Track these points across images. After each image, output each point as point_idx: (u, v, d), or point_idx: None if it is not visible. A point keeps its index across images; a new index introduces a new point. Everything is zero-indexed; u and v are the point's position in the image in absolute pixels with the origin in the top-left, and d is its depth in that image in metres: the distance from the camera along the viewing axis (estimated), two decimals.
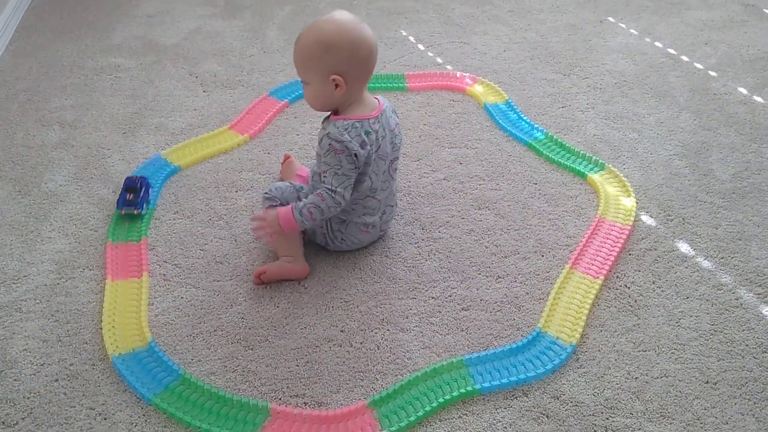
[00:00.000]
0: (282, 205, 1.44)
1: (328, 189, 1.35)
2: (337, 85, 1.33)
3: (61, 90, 2.09)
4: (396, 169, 1.48)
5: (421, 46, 2.34)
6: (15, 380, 1.23)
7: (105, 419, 1.17)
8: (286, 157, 1.72)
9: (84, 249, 1.51)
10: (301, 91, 2.02)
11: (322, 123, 1.40)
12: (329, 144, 1.34)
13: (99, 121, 1.95)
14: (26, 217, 1.60)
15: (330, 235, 1.46)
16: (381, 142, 1.39)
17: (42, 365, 1.26)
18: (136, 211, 1.55)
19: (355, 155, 1.34)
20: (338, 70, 1.31)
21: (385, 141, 1.40)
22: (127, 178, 1.61)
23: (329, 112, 1.41)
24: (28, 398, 1.20)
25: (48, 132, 1.90)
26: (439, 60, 2.26)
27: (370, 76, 1.38)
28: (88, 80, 2.14)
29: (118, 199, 1.57)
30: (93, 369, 1.25)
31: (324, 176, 1.36)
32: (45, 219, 1.59)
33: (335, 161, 1.35)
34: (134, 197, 1.56)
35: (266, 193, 1.48)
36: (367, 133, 1.36)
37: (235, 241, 1.53)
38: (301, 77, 1.38)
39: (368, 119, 1.37)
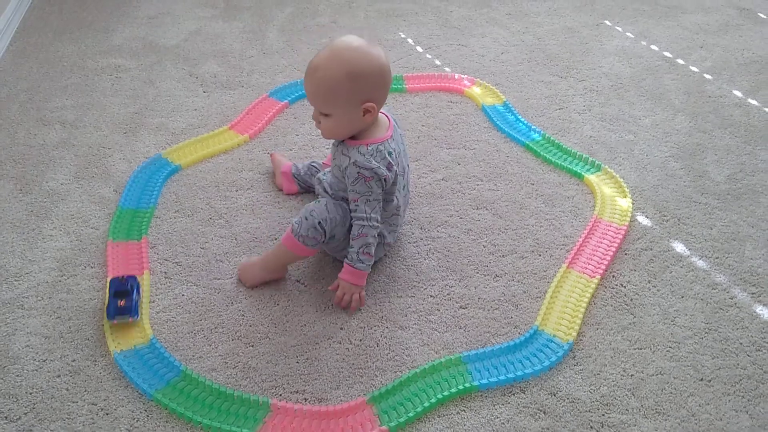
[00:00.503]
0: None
1: (365, 218, 1.34)
2: (366, 112, 1.30)
3: (61, 90, 2.10)
4: (409, 181, 1.48)
5: (419, 48, 2.36)
6: (17, 376, 1.24)
7: (107, 414, 1.18)
8: (272, 156, 1.75)
9: (85, 247, 1.53)
10: (301, 92, 2.05)
11: (338, 147, 1.38)
12: (357, 173, 1.32)
13: (100, 120, 1.96)
14: (28, 215, 1.61)
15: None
16: (398, 158, 1.38)
17: (44, 361, 1.27)
18: (131, 320, 1.32)
19: (384, 179, 1.33)
20: (369, 98, 1.29)
21: (401, 156, 1.40)
22: (114, 280, 1.37)
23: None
24: (30, 393, 1.21)
25: (49, 131, 1.91)
26: (438, 62, 2.27)
27: (387, 97, 1.36)
28: (89, 80, 2.15)
29: (108, 307, 1.32)
30: (95, 365, 1.27)
31: (356, 204, 1.35)
32: (46, 217, 1.61)
33: (365, 188, 1.33)
34: (127, 302, 1.32)
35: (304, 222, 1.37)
36: (390, 154, 1.34)
37: (236, 239, 1.54)
38: (322, 110, 1.32)
39: (387, 140, 1.35)
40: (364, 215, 1.35)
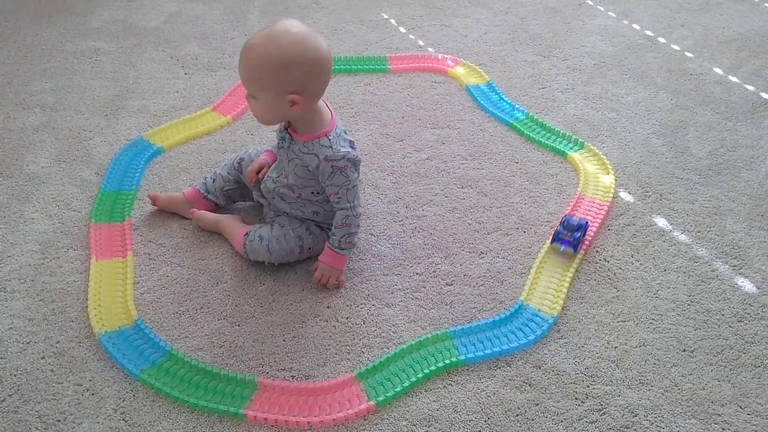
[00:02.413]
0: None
1: (348, 208, 1.34)
2: (293, 104, 1.25)
3: (40, 73, 2.07)
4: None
5: (402, 29, 2.35)
6: (1, 358, 1.23)
7: (93, 395, 1.18)
8: (154, 199, 1.57)
9: (67, 230, 1.51)
10: None
11: (295, 146, 1.33)
12: (331, 167, 1.30)
13: (80, 103, 1.93)
14: (8, 199, 1.59)
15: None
16: (281, 156, 1.38)
17: (28, 343, 1.26)
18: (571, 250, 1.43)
19: (358, 161, 1.34)
20: (296, 88, 1.23)
21: (283, 164, 1.39)
22: (569, 217, 1.46)
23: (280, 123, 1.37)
24: (15, 375, 1.20)
25: (29, 115, 1.88)
26: (421, 42, 2.27)
27: (325, 89, 1.30)
28: (68, 63, 2.12)
29: (557, 234, 1.44)
30: (80, 346, 1.26)
31: (338, 197, 1.33)
32: (27, 200, 1.59)
33: (343, 179, 1.32)
34: (571, 235, 1.43)
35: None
36: (345, 132, 1.36)
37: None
38: (250, 92, 1.28)
39: (337, 124, 1.34)
40: (348, 205, 1.34)
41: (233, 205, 1.57)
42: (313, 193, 1.38)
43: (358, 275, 1.41)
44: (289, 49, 1.21)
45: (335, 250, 1.36)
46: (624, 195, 1.62)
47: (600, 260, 1.44)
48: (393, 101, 1.95)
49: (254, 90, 1.27)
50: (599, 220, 1.52)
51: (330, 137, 1.31)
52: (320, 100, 1.33)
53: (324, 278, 1.37)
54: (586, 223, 1.46)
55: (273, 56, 1.21)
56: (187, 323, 1.31)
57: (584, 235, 1.46)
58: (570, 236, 1.43)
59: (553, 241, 1.45)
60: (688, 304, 1.34)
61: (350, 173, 1.32)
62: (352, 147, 1.34)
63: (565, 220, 1.45)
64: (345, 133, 1.35)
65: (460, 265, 1.44)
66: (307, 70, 1.23)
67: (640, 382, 1.20)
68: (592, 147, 1.75)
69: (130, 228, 1.51)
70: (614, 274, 1.41)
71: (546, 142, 1.77)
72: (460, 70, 2.08)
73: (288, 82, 1.23)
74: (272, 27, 1.25)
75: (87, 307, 1.32)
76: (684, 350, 1.26)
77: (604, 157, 1.71)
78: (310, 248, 1.42)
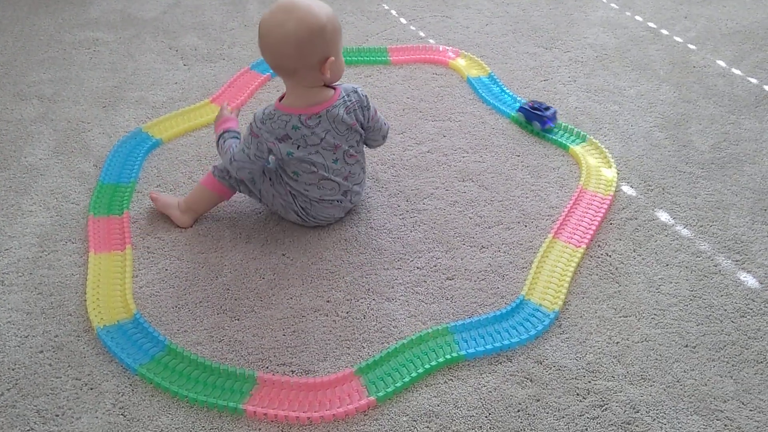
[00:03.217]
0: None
1: (231, 156, 1.42)
2: (326, 69, 1.30)
3: (38, 64, 2.05)
4: (353, 156, 1.44)
5: (403, 20, 2.33)
6: None
7: (91, 389, 1.17)
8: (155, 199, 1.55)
9: (66, 222, 1.50)
10: None
11: (327, 116, 1.38)
12: (252, 125, 1.37)
13: (78, 94, 1.92)
14: (6, 191, 1.58)
15: (302, 213, 1.45)
16: (323, 136, 1.37)
17: (26, 337, 1.25)
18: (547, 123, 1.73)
19: (269, 147, 1.37)
20: (328, 54, 1.29)
21: (330, 135, 1.38)
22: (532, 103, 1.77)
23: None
24: (13, 369, 1.20)
25: (26, 106, 1.87)
26: (422, 34, 2.25)
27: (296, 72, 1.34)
28: (66, 54, 2.11)
29: (526, 114, 1.76)
30: (78, 340, 1.25)
31: (238, 144, 1.43)
32: (25, 193, 1.58)
33: (248, 140, 1.38)
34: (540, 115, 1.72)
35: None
36: (294, 128, 1.35)
37: (219, 213, 1.52)
38: (289, 67, 1.31)
39: (301, 114, 1.35)
40: (233, 156, 1.41)
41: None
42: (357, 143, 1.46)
43: (358, 269, 1.40)
44: (317, 16, 1.27)
45: (219, 135, 1.49)
46: (626, 189, 1.60)
47: (602, 255, 1.43)
48: (394, 93, 1.93)
49: (293, 63, 1.30)
50: (601, 214, 1.51)
51: (274, 112, 1.36)
52: (333, 88, 1.40)
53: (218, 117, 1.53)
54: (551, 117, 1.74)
55: (308, 26, 1.26)
56: (186, 317, 1.30)
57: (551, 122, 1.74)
58: (543, 114, 1.67)
59: (530, 120, 1.72)
60: (691, 299, 1.34)
61: (253, 144, 1.38)
62: (281, 140, 1.38)
63: (531, 104, 1.72)
64: (294, 128, 1.37)
65: (461, 259, 1.43)
66: (335, 36, 1.30)
67: (642, 378, 1.19)
68: (594, 140, 1.73)
69: (129, 221, 1.50)
70: (616, 269, 1.40)
71: (548, 135, 1.76)
72: (461, 62, 2.07)
73: (319, 51, 1.29)
74: (276, 4, 1.30)
75: (85, 300, 1.32)
76: (686, 346, 1.25)
77: (606, 150, 1.70)
78: (274, 195, 1.46)
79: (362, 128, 1.44)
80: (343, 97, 1.39)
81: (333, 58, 1.30)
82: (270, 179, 1.46)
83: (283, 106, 1.36)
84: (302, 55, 1.28)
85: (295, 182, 1.43)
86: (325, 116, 1.37)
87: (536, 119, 1.64)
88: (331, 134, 1.38)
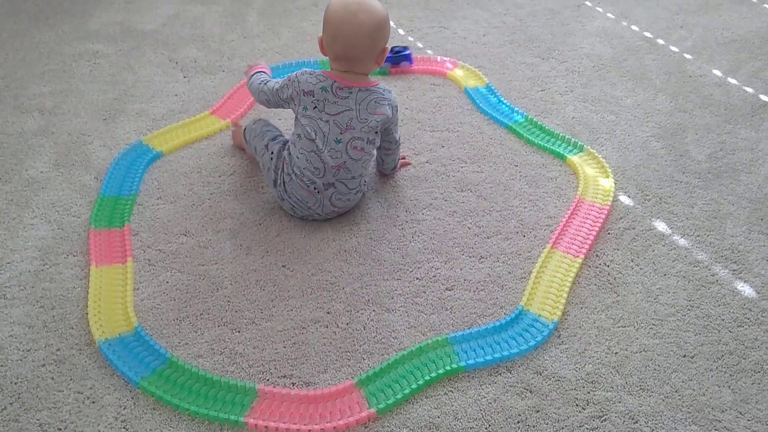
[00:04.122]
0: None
1: (267, 81, 1.57)
2: (381, 59, 1.47)
3: (39, 77, 2.06)
4: (358, 150, 1.47)
5: (401, 31, 2.34)
6: (2, 366, 1.23)
7: (93, 403, 1.18)
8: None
9: (67, 235, 1.51)
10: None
11: (358, 94, 1.47)
12: (297, 73, 1.49)
13: (79, 107, 1.93)
14: (8, 204, 1.59)
15: (280, 185, 1.52)
16: (343, 110, 1.45)
17: (28, 351, 1.26)
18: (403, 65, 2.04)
19: (294, 95, 1.47)
20: (321, 34, 1.46)
21: (350, 113, 1.45)
22: (400, 46, 2.07)
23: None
24: (15, 383, 1.20)
25: (27, 119, 1.88)
26: (420, 44, 2.26)
27: (341, 61, 1.46)
28: (67, 67, 2.12)
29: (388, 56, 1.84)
30: (80, 354, 1.26)
31: (273, 82, 1.56)
32: (27, 206, 1.59)
33: (285, 79, 1.51)
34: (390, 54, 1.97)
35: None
36: (323, 89, 1.45)
37: (219, 225, 1.53)
38: (357, 56, 1.44)
39: (336, 81, 1.45)
40: (277, 83, 1.54)
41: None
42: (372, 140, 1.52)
43: (358, 280, 1.41)
44: (378, 11, 1.43)
45: (254, 74, 1.63)
46: (623, 198, 1.62)
47: (600, 264, 1.44)
48: None
49: (368, 54, 1.45)
50: (599, 224, 1.52)
51: (318, 71, 1.49)
52: (353, 70, 1.48)
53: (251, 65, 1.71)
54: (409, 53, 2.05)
55: (377, 22, 1.42)
56: (187, 330, 1.31)
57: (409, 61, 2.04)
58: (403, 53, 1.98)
59: (397, 63, 2.02)
60: (688, 309, 1.34)
61: (286, 84, 1.50)
62: (305, 91, 1.48)
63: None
64: (323, 89, 1.46)
65: (460, 269, 1.44)
66: (324, 23, 1.44)
67: (641, 388, 1.20)
68: (591, 150, 1.75)
69: (130, 233, 1.51)
70: (614, 279, 1.41)
71: (545, 145, 1.77)
72: (459, 73, 2.08)
73: (385, 39, 1.46)
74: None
75: (87, 313, 1.32)
76: (684, 356, 1.26)
77: (604, 160, 1.71)
78: (272, 153, 1.55)
79: (381, 129, 1.50)
80: (381, 88, 1.50)
81: (387, 47, 1.47)
82: (273, 138, 1.58)
83: (325, 71, 1.48)
84: (374, 45, 1.43)
85: (292, 146, 1.50)
86: (356, 94, 1.46)
87: (403, 60, 2.03)
88: (352, 113, 1.46)
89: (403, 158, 1.72)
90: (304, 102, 1.46)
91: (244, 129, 1.66)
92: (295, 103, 1.48)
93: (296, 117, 1.49)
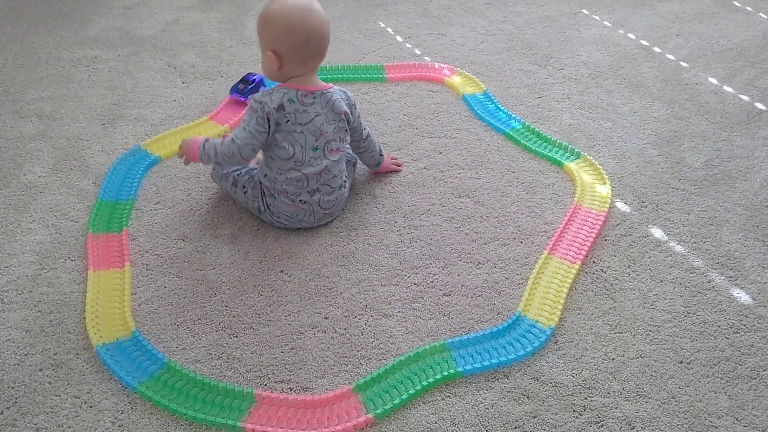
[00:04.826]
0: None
1: (232, 137, 1.44)
2: (274, 62, 1.41)
3: (37, 82, 2.07)
4: (334, 151, 1.49)
5: (399, 38, 2.36)
6: None
7: (90, 407, 1.17)
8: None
9: (65, 240, 1.51)
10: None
11: (321, 98, 1.47)
12: (251, 103, 1.44)
13: (77, 112, 1.94)
14: (6, 209, 1.59)
15: (265, 209, 1.51)
16: (313, 116, 1.45)
17: (26, 355, 1.26)
18: (241, 99, 1.89)
19: (267, 117, 1.41)
20: (273, 48, 1.40)
21: (320, 119, 1.46)
22: (247, 74, 1.95)
23: None
24: (12, 388, 1.20)
25: (25, 124, 1.88)
26: (417, 51, 2.28)
27: (309, 61, 1.44)
28: (65, 72, 2.12)
29: (232, 87, 1.93)
30: (77, 358, 1.26)
31: (237, 128, 1.46)
32: (25, 210, 1.59)
33: (248, 117, 1.43)
34: (244, 88, 1.88)
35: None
36: (290, 101, 1.43)
37: (217, 230, 1.54)
38: (309, 53, 1.43)
39: (299, 90, 1.44)
40: (234, 136, 1.43)
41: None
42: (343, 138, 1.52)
43: (355, 285, 1.41)
44: (271, 11, 1.39)
45: (199, 146, 1.46)
46: (620, 205, 1.62)
47: (597, 271, 1.45)
48: (390, 110, 1.96)
49: (312, 52, 1.43)
50: (596, 231, 1.53)
51: (273, 89, 1.45)
52: (327, 84, 1.49)
53: (182, 147, 1.50)
54: (259, 77, 1.93)
55: (261, 14, 1.41)
56: (185, 334, 1.31)
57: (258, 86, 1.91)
58: (244, 88, 1.88)
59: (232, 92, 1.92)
60: (685, 316, 1.35)
61: (254, 119, 1.42)
62: (278, 109, 1.43)
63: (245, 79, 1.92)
64: (290, 101, 1.43)
65: (458, 275, 1.44)
66: (281, 34, 1.39)
67: (638, 394, 1.20)
68: (588, 157, 1.75)
69: (128, 238, 1.51)
70: (611, 285, 1.42)
71: (542, 151, 1.78)
72: (456, 79, 2.09)
73: (268, 40, 1.41)
74: None
75: (84, 318, 1.32)
76: (681, 362, 1.26)
77: (600, 167, 1.72)
78: (243, 186, 1.54)
79: (348, 125, 1.51)
80: (336, 89, 1.50)
81: None
82: (246, 172, 1.56)
83: (280, 84, 1.46)
84: (326, 44, 1.43)
85: (268, 169, 1.48)
86: (320, 98, 1.46)
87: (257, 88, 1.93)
88: (321, 118, 1.46)
89: (395, 161, 1.73)
90: (277, 118, 1.42)
91: (210, 175, 1.63)
92: (270, 124, 1.42)
93: (266, 140, 1.45)
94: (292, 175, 1.47)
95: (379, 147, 1.66)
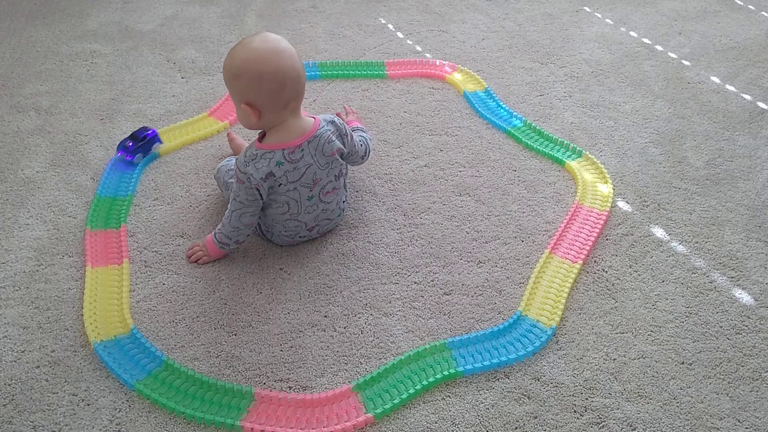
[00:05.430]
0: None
1: (228, 213, 1.40)
2: (250, 113, 1.31)
3: (35, 76, 2.05)
4: (330, 192, 1.44)
5: (400, 34, 2.34)
6: None
7: (88, 405, 1.17)
8: (229, 135, 1.75)
9: (63, 236, 1.50)
10: None
11: (308, 147, 1.38)
12: (237, 174, 1.36)
13: (75, 107, 1.92)
14: (3, 204, 1.58)
15: (261, 231, 1.49)
16: (304, 170, 1.37)
17: (23, 352, 1.25)
18: (127, 158, 1.66)
19: (257, 188, 1.35)
20: (247, 100, 1.30)
21: (312, 169, 1.38)
22: (140, 128, 1.71)
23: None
24: (9, 385, 1.19)
25: (23, 118, 1.87)
26: (419, 48, 2.26)
27: (290, 104, 1.33)
28: (64, 66, 2.11)
29: (119, 144, 1.68)
30: (75, 355, 1.25)
31: (231, 200, 1.40)
32: (22, 206, 1.57)
33: (236, 188, 1.37)
34: (133, 145, 1.65)
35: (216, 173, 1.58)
36: (279, 164, 1.34)
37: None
38: (289, 98, 1.33)
39: (284, 149, 1.34)
40: (229, 211, 1.39)
41: None
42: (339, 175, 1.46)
43: (355, 284, 1.40)
44: (239, 63, 1.29)
45: (215, 240, 1.42)
46: (622, 204, 1.61)
47: (598, 270, 1.44)
48: (391, 107, 1.94)
49: (290, 97, 1.33)
50: (597, 230, 1.52)
51: (256, 152, 1.35)
52: (312, 118, 1.39)
53: (198, 252, 1.44)
54: (156, 134, 1.71)
55: (227, 67, 1.31)
56: (184, 332, 1.30)
57: (148, 148, 1.69)
58: (133, 146, 1.66)
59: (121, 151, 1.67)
60: (686, 316, 1.34)
61: (242, 191, 1.36)
62: (266, 178, 1.35)
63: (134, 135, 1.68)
64: (279, 164, 1.35)
65: (458, 274, 1.43)
66: (254, 85, 1.28)
67: (639, 395, 1.20)
68: (589, 155, 1.74)
69: (126, 234, 1.50)
70: (612, 285, 1.41)
71: (544, 150, 1.77)
72: (457, 77, 2.08)
73: (240, 93, 1.31)
74: (246, 38, 1.33)
75: (82, 315, 1.31)
76: (682, 363, 1.25)
77: (602, 165, 1.71)
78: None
79: (342, 157, 1.44)
80: (321, 129, 1.39)
81: None
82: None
83: (264, 144, 1.36)
84: (303, 82, 1.34)
85: (263, 215, 1.44)
86: (307, 147, 1.37)
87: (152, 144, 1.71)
88: (312, 168, 1.38)
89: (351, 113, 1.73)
90: (268, 185, 1.35)
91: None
92: (261, 193, 1.36)
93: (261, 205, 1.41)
94: (289, 225, 1.43)
95: (360, 138, 1.56)
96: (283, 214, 1.41)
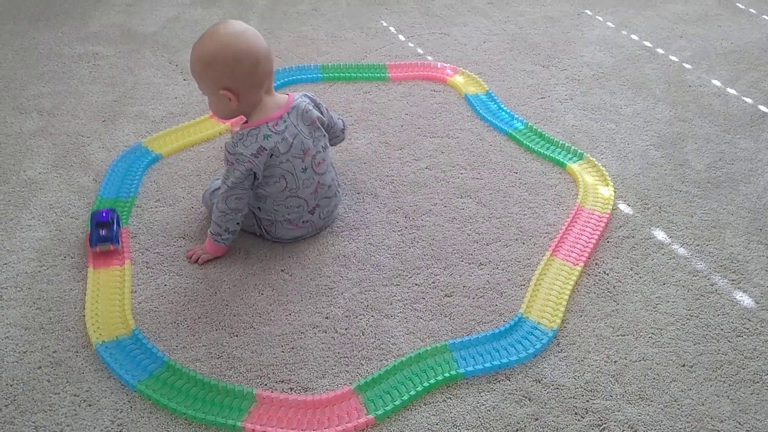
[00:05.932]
0: None
1: (220, 198, 1.40)
2: (229, 99, 1.34)
3: (38, 77, 2.06)
4: (321, 163, 1.46)
5: (401, 37, 2.35)
6: None
7: (90, 406, 1.17)
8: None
9: (65, 237, 1.50)
10: (283, 79, 2.04)
11: (290, 118, 1.41)
12: (226, 155, 1.38)
13: (78, 108, 1.93)
14: (5, 205, 1.58)
15: (265, 233, 1.49)
16: (292, 140, 1.39)
17: (25, 353, 1.25)
18: (112, 247, 1.43)
19: (248, 167, 1.36)
20: (225, 85, 1.32)
21: (299, 138, 1.40)
22: (94, 213, 1.47)
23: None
24: (11, 385, 1.19)
25: (26, 120, 1.87)
26: (420, 50, 2.27)
27: (265, 82, 1.37)
28: (66, 68, 2.11)
29: (90, 236, 1.43)
30: (76, 356, 1.25)
31: (222, 184, 1.40)
32: (24, 207, 1.58)
33: (226, 172, 1.39)
34: (108, 232, 1.43)
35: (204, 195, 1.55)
36: (266, 137, 1.36)
37: None
38: (263, 80, 1.37)
39: (267, 122, 1.37)
40: (222, 195, 1.39)
41: None
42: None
43: (356, 285, 1.40)
44: (209, 50, 1.31)
45: (212, 238, 1.43)
46: (623, 207, 1.62)
47: (599, 273, 1.44)
48: (392, 109, 1.95)
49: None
50: (599, 232, 1.52)
51: (242, 132, 1.37)
52: (285, 95, 1.44)
53: (199, 252, 1.45)
54: (113, 211, 1.48)
55: (197, 58, 1.33)
56: (185, 333, 1.30)
57: (119, 226, 1.48)
58: (108, 232, 1.43)
59: (94, 245, 1.42)
60: (688, 319, 1.34)
61: (233, 172, 1.37)
62: (258, 154, 1.36)
63: (92, 218, 1.46)
64: (266, 137, 1.37)
65: (459, 276, 1.43)
66: (229, 69, 1.31)
67: (640, 398, 1.20)
68: (591, 158, 1.75)
69: (128, 236, 1.50)
70: (613, 287, 1.41)
71: (545, 152, 1.77)
72: (459, 79, 2.08)
73: (216, 80, 1.33)
74: (206, 31, 1.36)
75: (84, 316, 1.31)
76: (683, 365, 1.25)
77: (603, 168, 1.71)
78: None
79: (323, 126, 1.48)
80: (298, 100, 1.44)
81: None
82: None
83: (249, 124, 1.39)
84: (272, 58, 1.38)
85: (261, 203, 1.45)
86: (289, 118, 1.40)
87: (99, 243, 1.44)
88: (299, 138, 1.41)
89: None
90: (260, 162, 1.36)
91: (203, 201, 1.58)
92: (255, 172, 1.37)
93: (257, 177, 1.40)
94: (291, 203, 1.44)
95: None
96: (282, 191, 1.42)
